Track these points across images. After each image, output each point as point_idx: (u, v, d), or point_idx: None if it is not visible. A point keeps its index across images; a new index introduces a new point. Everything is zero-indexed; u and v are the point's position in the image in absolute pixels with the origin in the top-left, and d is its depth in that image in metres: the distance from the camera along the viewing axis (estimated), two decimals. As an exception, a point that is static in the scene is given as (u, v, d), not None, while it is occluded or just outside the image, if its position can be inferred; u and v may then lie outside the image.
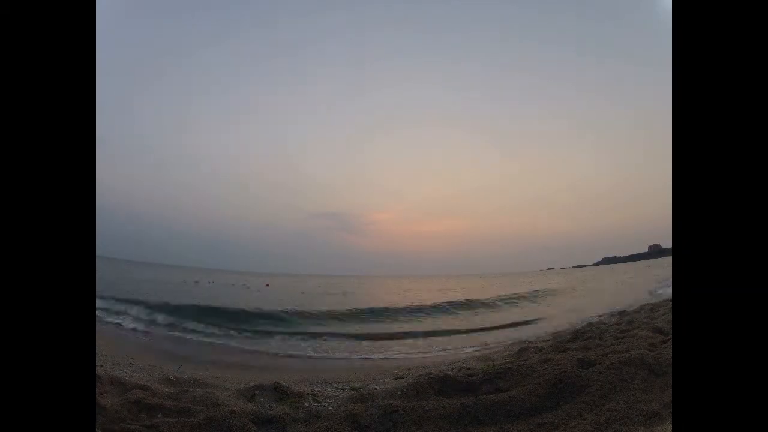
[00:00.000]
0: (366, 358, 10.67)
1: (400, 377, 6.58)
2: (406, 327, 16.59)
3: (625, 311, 13.43)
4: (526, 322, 17.58)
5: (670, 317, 8.48)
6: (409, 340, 13.47)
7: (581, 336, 8.43)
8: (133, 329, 13.60)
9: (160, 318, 15.37)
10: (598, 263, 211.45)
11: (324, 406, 4.42)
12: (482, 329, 16.15)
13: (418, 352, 11.40)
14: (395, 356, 10.96)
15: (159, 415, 3.81)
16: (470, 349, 11.27)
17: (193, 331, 13.74)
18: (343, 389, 5.64)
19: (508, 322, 17.72)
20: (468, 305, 24.60)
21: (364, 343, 13.08)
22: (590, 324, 11.01)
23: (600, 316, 14.15)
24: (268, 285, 44.43)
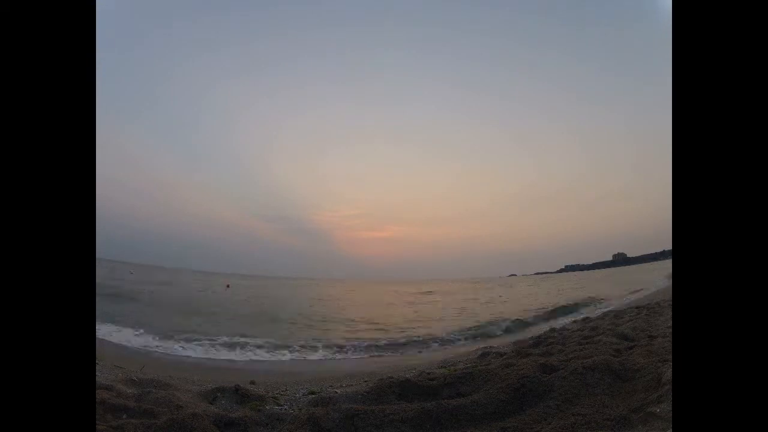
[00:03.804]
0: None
1: (366, 381, 6.61)
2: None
3: (588, 318, 13.79)
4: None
5: (635, 324, 8.82)
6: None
7: (543, 342, 8.65)
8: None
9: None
10: (560, 270, 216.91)
11: (285, 410, 4.45)
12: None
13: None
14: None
15: (124, 416, 3.82)
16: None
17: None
18: (302, 393, 5.63)
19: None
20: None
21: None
22: (552, 330, 11.27)
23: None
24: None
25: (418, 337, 15.06)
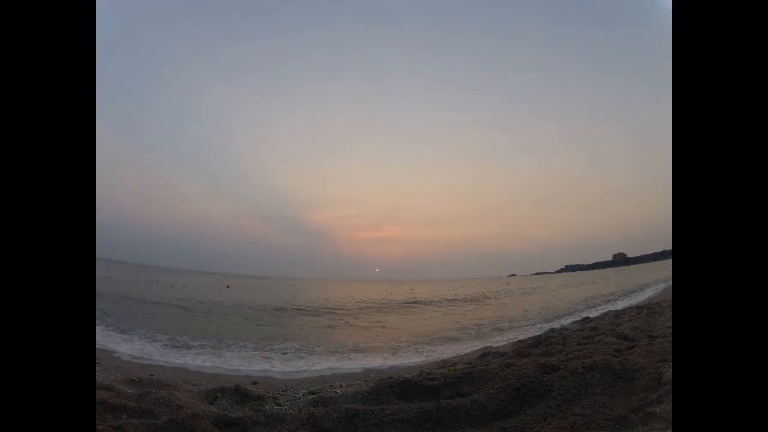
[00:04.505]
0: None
1: (366, 381, 6.61)
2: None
3: (588, 318, 13.78)
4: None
5: (635, 324, 8.82)
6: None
7: (543, 342, 8.65)
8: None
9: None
10: (560, 270, 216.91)
11: (285, 410, 4.45)
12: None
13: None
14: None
15: (124, 416, 3.84)
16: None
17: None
18: (302, 393, 5.64)
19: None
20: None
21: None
22: (552, 330, 11.27)
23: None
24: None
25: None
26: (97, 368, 6.46)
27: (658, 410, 3.12)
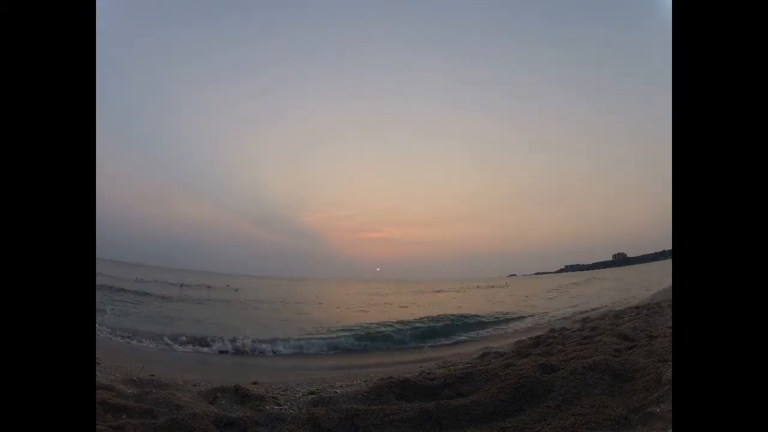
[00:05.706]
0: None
1: (366, 381, 6.62)
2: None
3: (588, 318, 13.78)
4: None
5: (635, 324, 8.83)
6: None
7: (543, 342, 8.66)
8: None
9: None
10: (560, 270, 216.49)
11: (285, 410, 4.46)
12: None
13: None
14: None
15: (124, 417, 3.85)
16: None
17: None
18: (302, 393, 5.64)
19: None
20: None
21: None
22: (552, 330, 11.26)
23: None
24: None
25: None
26: (97, 368, 6.45)
27: (658, 410, 3.12)
